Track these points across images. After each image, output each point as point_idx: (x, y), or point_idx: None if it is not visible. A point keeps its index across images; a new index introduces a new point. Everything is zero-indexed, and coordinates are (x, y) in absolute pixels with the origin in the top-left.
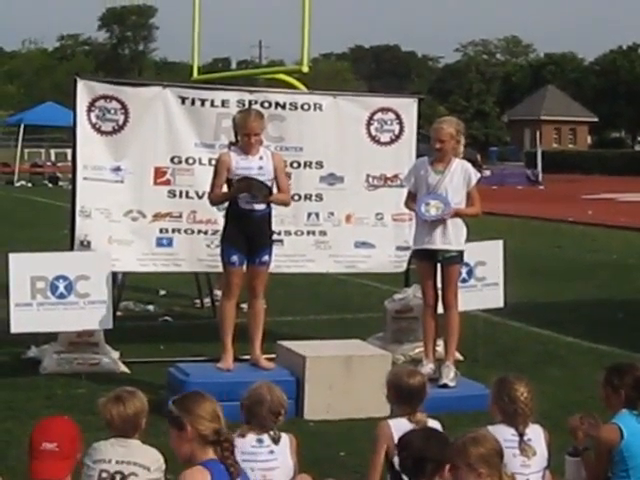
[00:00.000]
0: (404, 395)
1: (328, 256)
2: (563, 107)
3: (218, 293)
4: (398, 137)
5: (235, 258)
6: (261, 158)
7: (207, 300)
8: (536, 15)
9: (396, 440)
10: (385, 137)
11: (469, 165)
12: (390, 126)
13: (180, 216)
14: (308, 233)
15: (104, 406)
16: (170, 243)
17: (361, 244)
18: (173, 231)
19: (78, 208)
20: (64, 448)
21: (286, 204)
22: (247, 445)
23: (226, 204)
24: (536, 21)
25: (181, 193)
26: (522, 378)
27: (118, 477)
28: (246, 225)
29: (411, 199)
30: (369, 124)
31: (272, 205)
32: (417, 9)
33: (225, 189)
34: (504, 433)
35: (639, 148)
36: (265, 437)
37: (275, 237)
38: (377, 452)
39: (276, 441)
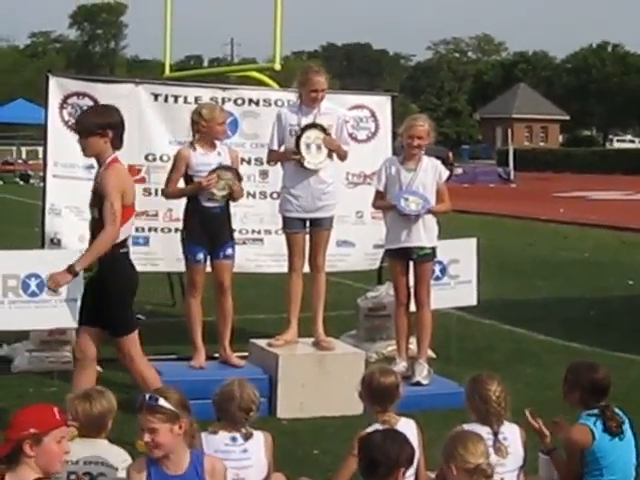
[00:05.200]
0: (375, 394)
1: (309, 256)
2: (534, 105)
3: None
4: (374, 134)
5: (201, 256)
6: (219, 154)
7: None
8: (508, 13)
9: None
10: (362, 135)
11: (438, 162)
12: (366, 124)
13: (156, 214)
14: None
15: (71, 402)
16: (146, 242)
17: (342, 243)
18: (149, 230)
19: (48, 206)
20: (6, 429)
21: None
22: (220, 443)
23: (184, 200)
24: (507, 19)
25: (156, 191)
26: (494, 377)
27: (87, 478)
28: (208, 221)
29: (380, 198)
30: (345, 121)
31: (231, 203)
32: (389, 7)
33: (181, 184)
34: (479, 432)
35: (610, 146)
36: (238, 435)
37: (255, 236)
38: (349, 459)
39: (247, 438)
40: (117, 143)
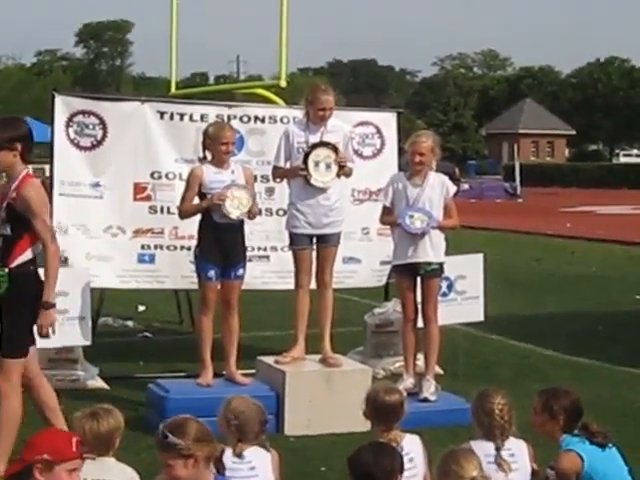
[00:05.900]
0: (380, 412)
1: (316, 272)
2: (541, 120)
3: None
4: (380, 151)
5: (212, 273)
6: (233, 172)
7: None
8: (513, 29)
9: None
10: (367, 151)
11: (445, 178)
12: (371, 140)
13: (162, 232)
14: None
15: (78, 421)
16: (152, 259)
17: (348, 259)
18: (155, 247)
19: (55, 224)
20: (24, 447)
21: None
22: (228, 461)
23: (198, 217)
24: (513, 35)
25: (162, 209)
26: (499, 391)
27: None
28: (221, 238)
29: (387, 214)
30: (350, 138)
31: (245, 219)
32: (394, 23)
33: (196, 202)
34: (485, 448)
35: (616, 161)
36: (247, 452)
37: (261, 253)
38: None
39: (267, 449)
40: (27, 156)
